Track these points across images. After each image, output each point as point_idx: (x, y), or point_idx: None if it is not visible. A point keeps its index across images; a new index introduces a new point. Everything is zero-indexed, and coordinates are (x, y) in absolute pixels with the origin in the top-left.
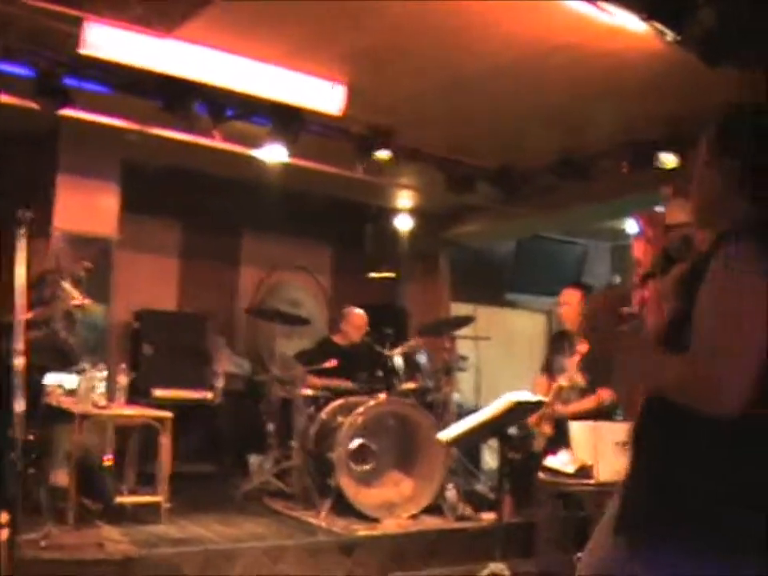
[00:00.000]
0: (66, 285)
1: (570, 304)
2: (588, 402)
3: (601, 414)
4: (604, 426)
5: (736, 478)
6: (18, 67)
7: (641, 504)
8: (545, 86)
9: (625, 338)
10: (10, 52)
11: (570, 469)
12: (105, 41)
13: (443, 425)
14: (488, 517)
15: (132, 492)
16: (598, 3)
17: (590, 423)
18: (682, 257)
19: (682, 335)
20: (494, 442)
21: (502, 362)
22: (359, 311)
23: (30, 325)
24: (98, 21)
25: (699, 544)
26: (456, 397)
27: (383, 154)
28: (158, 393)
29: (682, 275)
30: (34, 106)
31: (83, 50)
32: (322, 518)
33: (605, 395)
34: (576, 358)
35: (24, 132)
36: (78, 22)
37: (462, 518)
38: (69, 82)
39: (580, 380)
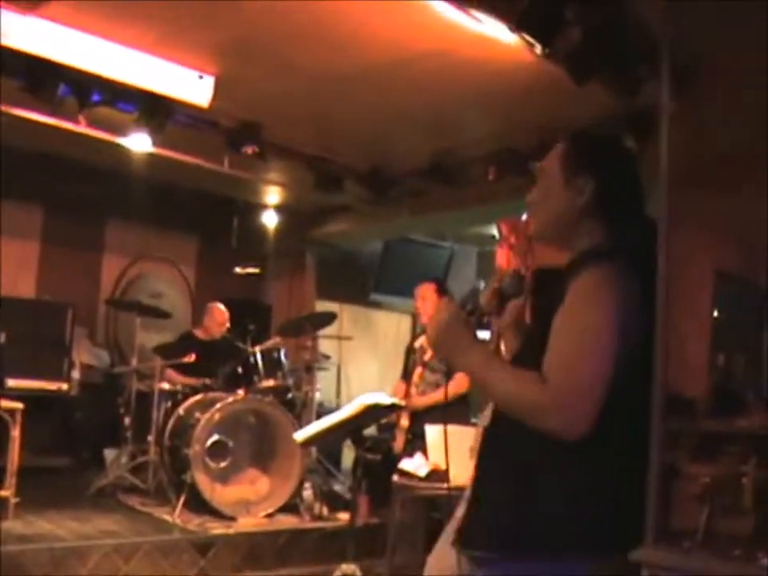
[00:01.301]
0: None
1: (425, 298)
2: (436, 395)
3: (453, 404)
4: (457, 430)
5: (579, 495)
6: None
7: (484, 520)
8: (414, 90)
9: (475, 355)
10: None
11: (423, 472)
12: None
13: (303, 423)
14: (344, 517)
15: None
16: (468, 11)
17: (442, 427)
18: (516, 293)
19: (535, 359)
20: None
21: (365, 362)
22: (221, 307)
23: None
24: None
25: (542, 560)
26: (317, 396)
27: (250, 149)
28: (11, 383)
29: (532, 304)
30: None
31: None
32: (176, 516)
33: (452, 387)
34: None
35: None
36: None
37: (318, 518)
38: None
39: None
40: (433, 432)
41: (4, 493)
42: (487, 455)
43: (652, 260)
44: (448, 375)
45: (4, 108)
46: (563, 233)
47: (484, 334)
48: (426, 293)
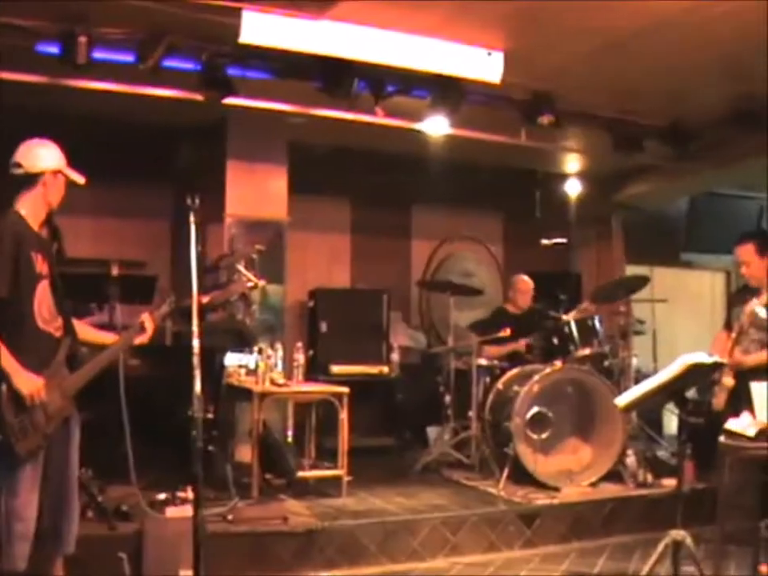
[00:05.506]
0: (241, 268)
1: (749, 261)
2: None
3: None
4: None
5: None
6: (184, 62)
7: None
8: (710, 37)
9: None
10: (176, 48)
11: (752, 432)
12: (262, 28)
13: (621, 390)
14: (669, 483)
15: (313, 466)
16: None
17: None
18: None
19: None
20: (674, 407)
21: (681, 323)
22: (524, 277)
23: (208, 308)
24: (255, 10)
25: None
26: (634, 361)
27: (546, 119)
28: (336, 369)
29: None
30: (199, 98)
31: (243, 40)
32: (500, 488)
33: None
34: (758, 300)
35: (193, 124)
36: (236, 13)
37: (642, 485)
38: (231, 71)
39: (763, 315)
40: (760, 389)
41: (337, 472)
42: None
43: None
44: None
45: (303, 109)
46: None
47: None
48: (746, 255)
